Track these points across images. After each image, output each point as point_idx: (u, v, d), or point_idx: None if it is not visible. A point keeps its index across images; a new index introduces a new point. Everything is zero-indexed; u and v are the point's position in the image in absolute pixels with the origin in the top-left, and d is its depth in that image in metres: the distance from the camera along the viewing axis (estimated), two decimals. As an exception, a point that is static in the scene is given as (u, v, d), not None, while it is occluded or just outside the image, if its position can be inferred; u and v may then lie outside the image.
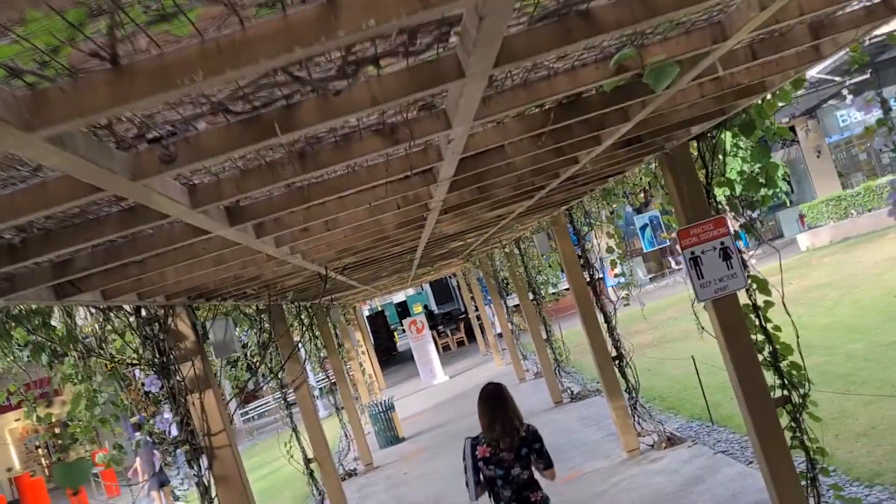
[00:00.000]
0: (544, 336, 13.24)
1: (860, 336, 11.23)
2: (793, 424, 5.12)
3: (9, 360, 4.56)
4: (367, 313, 36.66)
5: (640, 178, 7.41)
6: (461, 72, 1.84)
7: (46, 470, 19.15)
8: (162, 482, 13.07)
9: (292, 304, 9.83)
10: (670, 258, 29.09)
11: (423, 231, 5.33)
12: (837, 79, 24.28)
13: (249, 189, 2.33)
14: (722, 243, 5.15)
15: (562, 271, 10.82)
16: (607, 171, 5.62)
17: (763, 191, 5.81)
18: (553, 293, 12.98)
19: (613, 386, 8.81)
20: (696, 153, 5.38)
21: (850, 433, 7.44)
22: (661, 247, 27.88)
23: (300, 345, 10.83)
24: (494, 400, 4.75)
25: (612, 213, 9.56)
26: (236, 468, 5.09)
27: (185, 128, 1.83)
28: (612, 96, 2.88)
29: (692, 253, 5.15)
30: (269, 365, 8.62)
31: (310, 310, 10.90)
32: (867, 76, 25.06)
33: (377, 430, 14.73)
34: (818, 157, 26.78)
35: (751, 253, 5.84)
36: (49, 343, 4.65)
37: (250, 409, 25.84)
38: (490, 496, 4.78)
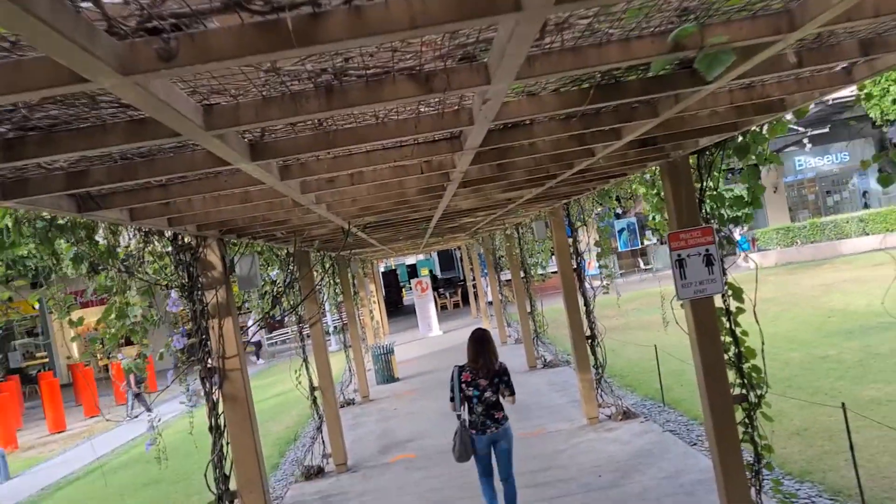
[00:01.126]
0: (528, 309, 12.86)
1: (797, 347, 10.75)
2: (746, 421, 4.73)
3: (49, 265, 4.10)
4: (382, 270, 36.27)
5: (634, 186, 6.88)
6: (518, 3, 1.30)
7: (99, 362, 18.82)
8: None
9: (318, 252, 9.33)
10: (640, 259, 28.50)
11: (441, 201, 4.79)
12: (801, 129, 23.59)
13: (270, 118, 1.79)
14: (707, 250, 4.83)
15: (552, 256, 10.32)
16: (614, 171, 5.06)
17: (747, 209, 5.39)
18: (541, 274, 12.49)
19: (584, 360, 8.35)
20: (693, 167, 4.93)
21: (786, 432, 6.96)
22: (633, 248, 27.31)
23: (320, 287, 10.35)
24: (480, 340, 5.40)
25: (600, 213, 9.02)
26: (244, 390, 4.65)
27: (193, 23, 1.30)
28: (651, 84, 2.33)
29: (679, 255, 4.78)
30: (291, 301, 8.15)
31: (332, 258, 10.40)
32: (826, 129, 24.37)
33: (376, 369, 14.32)
34: (775, 192, 26.18)
35: (742, 257, 5.34)
36: (89, 256, 4.19)
37: (275, 336, 25.58)
38: (466, 410, 5.39)
